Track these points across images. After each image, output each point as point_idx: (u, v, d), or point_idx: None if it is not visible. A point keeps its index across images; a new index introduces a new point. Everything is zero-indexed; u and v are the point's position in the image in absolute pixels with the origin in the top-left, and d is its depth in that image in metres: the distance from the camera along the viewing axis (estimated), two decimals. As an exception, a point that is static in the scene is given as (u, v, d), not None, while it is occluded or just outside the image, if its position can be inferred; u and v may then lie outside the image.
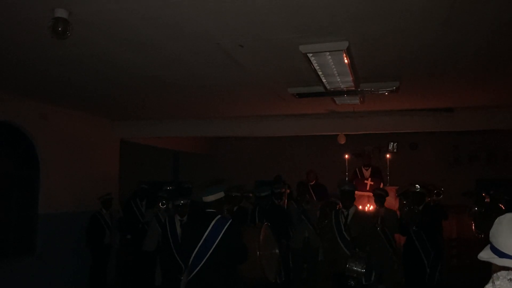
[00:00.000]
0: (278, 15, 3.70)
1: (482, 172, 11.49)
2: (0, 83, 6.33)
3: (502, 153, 11.60)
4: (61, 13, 3.59)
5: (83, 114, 8.58)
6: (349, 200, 6.41)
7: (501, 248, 1.85)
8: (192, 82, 6.14)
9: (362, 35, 4.19)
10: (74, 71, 5.57)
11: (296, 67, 5.27)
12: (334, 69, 5.00)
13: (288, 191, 8.64)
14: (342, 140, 8.83)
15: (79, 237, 8.10)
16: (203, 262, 4.24)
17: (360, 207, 7.95)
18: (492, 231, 1.92)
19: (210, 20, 3.84)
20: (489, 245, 1.93)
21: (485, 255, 1.92)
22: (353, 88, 5.87)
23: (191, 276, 4.31)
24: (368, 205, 8.47)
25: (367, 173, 9.67)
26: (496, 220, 1.93)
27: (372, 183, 8.98)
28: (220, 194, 4.52)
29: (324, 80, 5.46)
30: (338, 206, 7.07)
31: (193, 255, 4.28)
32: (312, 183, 9.47)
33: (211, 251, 4.23)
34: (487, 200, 7.91)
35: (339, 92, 6.22)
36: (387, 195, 7.64)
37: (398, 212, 7.34)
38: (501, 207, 7.28)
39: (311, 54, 4.55)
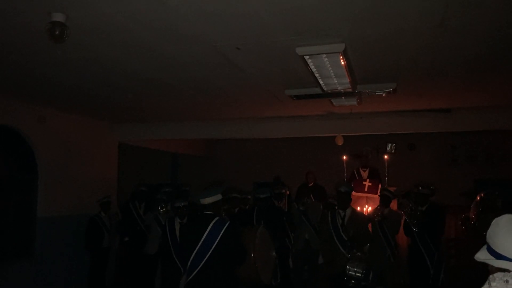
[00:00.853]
0: (275, 17, 3.71)
1: (480, 173, 11.49)
2: (-2, 87, 6.33)
3: (500, 153, 11.60)
4: (58, 17, 3.60)
5: (81, 117, 8.58)
6: (346, 201, 6.42)
7: (498, 249, 1.85)
8: (189, 85, 6.15)
9: (358, 37, 4.20)
10: (72, 74, 5.58)
11: (293, 69, 5.28)
12: (331, 71, 5.01)
13: (288, 192, 8.66)
14: (340, 142, 8.84)
15: (77, 240, 8.09)
16: (201, 264, 4.24)
17: (358, 208, 7.96)
18: (489, 232, 1.92)
19: (207, 23, 3.85)
20: (485, 246, 1.93)
21: (482, 256, 1.92)
22: (350, 90, 5.88)
23: (190, 278, 4.31)
24: (366, 206, 8.48)
25: (365, 174, 9.68)
26: (493, 221, 1.92)
27: (370, 184, 8.99)
28: (218, 197, 4.52)
29: (321, 82, 5.47)
30: (336, 208, 7.08)
31: (192, 257, 4.28)
32: (310, 185, 9.49)
33: (209, 253, 4.23)
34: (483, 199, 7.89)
35: (337, 94, 6.23)
36: (394, 197, 7.64)
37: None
38: (497, 207, 7.27)
39: (308, 56, 4.56)
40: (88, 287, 8.15)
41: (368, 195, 8.78)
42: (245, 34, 4.13)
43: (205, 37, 4.21)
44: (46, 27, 3.62)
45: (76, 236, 8.10)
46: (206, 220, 4.35)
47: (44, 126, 7.66)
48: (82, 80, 5.86)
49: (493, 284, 1.80)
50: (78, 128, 8.54)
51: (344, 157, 9.85)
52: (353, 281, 5.79)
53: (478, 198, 6.72)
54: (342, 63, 4.71)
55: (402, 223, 7.18)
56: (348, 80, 5.35)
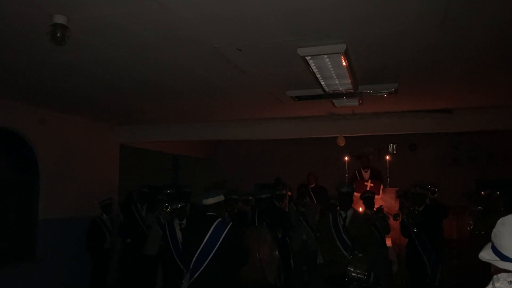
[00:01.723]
0: (276, 18, 3.71)
1: (482, 173, 11.48)
2: (-1, 89, 6.34)
3: (502, 153, 11.59)
4: (59, 19, 3.60)
5: (82, 119, 8.58)
6: (347, 202, 6.40)
7: (503, 250, 1.81)
8: (190, 86, 6.14)
9: (360, 37, 4.20)
10: (73, 76, 5.58)
11: (294, 70, 5.28)
12: (333, 71, 5.00)
13: (289, 193, 8.66)
14: (341, 142, 8.83)
15: (79, 242, 8.08)
16: (204, 265, 4.24)
17: (360, 209, 7.95)
18: (495, 232, 1.86)
19: (208, 24, 3.85)
20: (490, 244, 1.90)
21: (487, 255, 1.88)
22: (352, 90, 5.87)
23: (193, 279, 4.31)
24: (361, 207, 8.48)
25: (366, 175, 9.69)
26: (499, 221, 1.86)
27: (372, 184, 8.99)
28: (220, 198, 4.52)
29: (322, 83, 5.47)
30: (338, 208, 7.08)
31: (194, 258, 4.29)
32: (312, 186, 9.49)
33: (212, 254, 4.23)
34: (486, 199, 7.90)
35: (338, 95, 6.22)
36: (374, 194, 7.75)
37: (400, 213, 7.36)
38: (499, 207, 7.28)
39: (309, 57, 4.56)
40: (89, 289, 8.15)
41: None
42: (246, 36, 4.13)
43: (206, 39, 4.21)
44: (48, 29, 3.63)
45: (78, 238, 8.10)
46: (208, 221, 4.35)
47: (45, 128, 7.67)
48: (83, 82, 5.86)
49: (497, 284, 1.78)
50: (80, 130, 8.55)
51: (346, 158, 9.85)
52: (355, 283, 5.78)
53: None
54: (344, 63, 4.71)
55: (395, 223, 7.24)
56: (350, 80, 5.35)
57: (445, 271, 6.88)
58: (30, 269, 7.35)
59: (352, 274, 5.76)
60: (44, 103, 7.29)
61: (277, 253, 5.75)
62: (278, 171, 11.79)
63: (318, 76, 5.17)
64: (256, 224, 6.96)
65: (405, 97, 6.87)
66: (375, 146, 11.83)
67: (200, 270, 4.25)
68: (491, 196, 7.76)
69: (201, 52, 4.60)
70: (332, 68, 4.89)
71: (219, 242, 4.23)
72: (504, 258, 1.80)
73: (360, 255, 5.92)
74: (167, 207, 7.57)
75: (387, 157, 9.93)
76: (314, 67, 4.86)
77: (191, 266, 4.34)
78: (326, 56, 4.51)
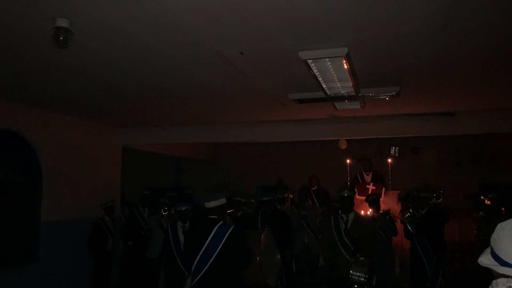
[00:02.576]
0: (278, 22, 3.72)
1: (484, 176, 11.44)
2: (2, 91, 6.36)
3: (504, 156, 11.55)
4: (62, 22, 3.63)
5: (85, 122, 8.60)
6: (349, 205, 6.41)
7: (502, 256, 1.80)
8: (192, 89, 6.16)
9: (361, 41, 4.21)
10: (76, 79, 5.60)
11: (296, 73, 5.29)
12: (334, 75, 5.01)
13: (291, 196, 8.65)
14: (343, 145, 8.83)
15: (81, 244, 8.10)
16: (205, 268, 4.25)
17: (362, 212, 7.95)
18: (494, 237, 1.86)
19: (210, 28, 3.86)
20: (489, 249, 1.89)
21: (486, 260, 1.87)
22: (354, 94, 5.88)
23: (194, 282, 4.32)
24: (370, 210, 8.46)
25: (368, 177, 9.68)
26: (498, 226, 1.86)
27: (374, 187, 8.98)
28: (222, 200, 4.53)
29: (324, 86, 5.48)
30: (340, 211, 7.08)
31: (196, 261, 4.29)
32: (314, 188, 9.49)
33: (213, 257, 4.23)
34: (487, 202, 7.88)
35: (340, 98, 6.23)
36: (379, 197, 7.73)
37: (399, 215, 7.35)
38: (502, 210, 7.26)
39: (311, 61, 4.57)
40: (91, 291, 8.17)
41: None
42: (248, 39, 4.14)
43: (209, 42, 4.23)
44: (51, 33, 3.65)
45: (80, 240, 8.11)
46: (210, 224, 4.36)
47: (48, 130, 7.69)
48: (86, 84, 5.88)
49: (496, 289, 1.78)
50: (82, 132, 8.57)
51: (348, 161, 9.84)
52: (356, 286, 5.78)
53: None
54: (345, 67, 4.72)
55: (402, 226, 7.20)
56: (351, 84, 5.35)
57: (447, 274, 6.86)
58: (32, 270, 7.36)
59: (354, 277, 5.76)
60: (47, 106, 7.32)
61: (278, 256, 5.74)
62: (280, 173, 11.79)
63: (320, 79, 5.19)
64: (259, 226, 6.95)
65: (407, 100, 6.87)
66: (377, 149, 11.81)
67: (202, 273, 4.25)
68: (493, 200, 7.74)
69: (203, 55, 4.62)
70: (333, 72, 4.90)
71: (221, 245, 4.24)
72: (503, 263, 1.80)
73: (362, 258, 5.92)
74: (165, 211, 7.57)
75: (389, 160, 9.91)
76: (316, 71, 4.87)
77: (192, 269, 4.34)
78: (327, 59, 4.53)
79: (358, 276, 5.61)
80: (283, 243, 6.78)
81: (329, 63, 4.62)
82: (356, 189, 8.81)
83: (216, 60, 4.78)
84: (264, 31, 3.94)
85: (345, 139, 8.76)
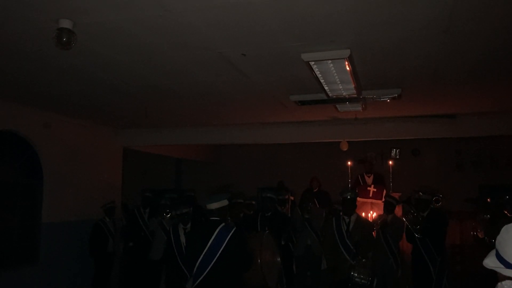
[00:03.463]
0: (280, 23, 3.73)
1: (485, 178, 11.44)
2: (4, 92, 6.37)
3: (505, 158, 11.56)
4: (65, 23, 3.63)
5: (86, 123, 8.60)
6: (351, 207, 6.41)
7: (507, 258, 1.80)
8: (194, 91, 6.16)
9: (364, 43, 4.21)
10: (78, 80, 5.61)
11: (298, 75, 5.29)
12: (336, 76, 5.01)
13: (292, 198, 8.63)
14: (344, 147, 8.82)
15: (82, 246, 8.10)
16: (207, 270, 4.24)
17: (363, 214, 7.94)
18: (499, 240, 1.86)
19: (212, 29, 3.87)
20: (494, 251, 1.89)
21: (492, 263, 1.87)
22: (355, 95, 5.88)
23: (196, 284, 4.31)
24: (371, 212, 8.46)
25: (369, 179, 9.67)
26: (503, 229, 1.86)
27: (374, 189, 8.97)
28: (224, 202, 4.51)
29: (326, 88, 5.48)
30: (341, 213, 7.07)
31: (198, 263, 4.28)
32: (315, 190, 9.47)
33: (215, 259, 4.22)
34: (491, 206, 7.87)
35: (341, 100, 6.23)
36: (398, 203, 7.50)
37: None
38: (506, 213, 7.24)
39: (313, 62, 4.57)
40: (92, 293, 8.16)
41: (373, 200, 8.75)
42: (250, 41, 4.15)
43: (211, 44, 4.23)
44: (54, 34, 3.65)
45: (81, 242, 8.11)
46: (212, 226, 4.35)
47: (49, 132, 7.69)
48: (87, 86, 5.89)
49: (501, 292, 1.78)
50: (83, 134, 8.57)
51: (349, 163, 9.83)
52: (358, 287, 5.78)
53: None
54: (347, 69, 4.72)
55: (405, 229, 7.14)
56: (353, 85, 5.36)
57: (450, 276, 6.84)
58: (33, 272, 7.36)
59: (356, 279, 5.76)
60: (49, 107, 7.33)
61: (278, 259, 5.74)
62: (281, 175, 11.79)
63: (322, 81, 5.19)
64: (259, 229, 6.94)
65: (408, 102, 6.87)
66: (378, 151, 11.82)
67: (203, 275, 4.24)
68: (498, 203, 7.72)
69: (205, 57, 4.62)
70: (335, 73, 4.90)
71: (222, 247, 4.23)
72: (508, 265, 1.79)
73: (363, 260, 5.92)
74: (168, 213, 7.56)
75: (390, 162, 9.90)
76: (318, 72, 4.87)
77: (194, 271, 4.33)
78: (330, 61, 4.53)
79: (361, 278, 5.62)
80: (284, 245, 6.77)
81: (331, 65, 4.63)
82: (357, 191, 8.80)
83: (218, 62, 4.79)
84: (266, 33, 3.94)
85: (346, 141, 8.75)
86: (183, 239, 6.17)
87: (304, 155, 12.60)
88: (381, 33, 3.95)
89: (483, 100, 6.86)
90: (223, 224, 4.39)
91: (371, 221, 7.74)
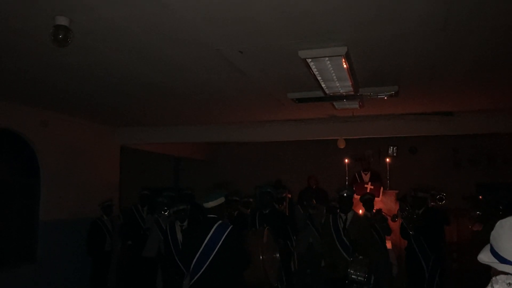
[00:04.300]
0: (277, 21, 3.73)
1: (483, 176, 11.46)
2: (1, 91, 6.35)
3: (502, 156, 11.58)
4: (62, 21, 3.62)
5: (84, 121, 8.60)
6: (348, 205, 6.43)
7: (501, 253, 1.81)
8: (192, 88, 6.16)
9: (361, 40, 4.21)
10: (75, 78, 5.60)
11: (295, 72, 5.29)
12: (333, 74, 5.02)
13: (289, 195, 8.65)
14: (341, 145, 8.84)
15: (80, 244, 8.10)
16: (204, 267, 4.25)
17: (360, 211, 7.96)
18: (493, 234, 1.87)
19: (209, 27, 3.86)
20: (488, 246, 1.90)
21: (486, 257, 1.88)
22: (352, 93, 5.89)
23: (193, 281, 4.32)
24: (361, 209, 8.48)
25: (366, 177, 9.70)
26: (498, 223, 1.87)
27: (372, 187, 9.00)
28: (221, 200, 4.52)
29: (323, 85, 5.48)
30: (338, 211, 7.09)
31: (194, 260, 4.29)
32: (314, 188, 9.50)
33: (212, 256, 4.24)
34: (484, 203, 7.91)
35: (338, 97, 6.24)
36: (374, 197, 7.74)
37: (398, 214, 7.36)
38: (500, 210, 7.27)
39: (310, 60, 4.57)
40: (90, 291, 8.15)
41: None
42: (247, 38, 4.14)
43: (208, 41, 4.23)
44: (50, 31, 3.64)
45: (79, 240, 8.11)
46: (208, 224, 4.36)
47: (47, 130, 7.68)
48: (85, 84, 5.88)
49: (495, 286, 1.78)
50: (81, 132, 8.56)
51: (346, 160, 9.86)
52: (355, 285, 5.80)
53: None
54: (345, 66, 4.72)
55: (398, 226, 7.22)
56: (350, 83, 5.36)
57: (443, 274, 6.86)
58: (31, 270, 7.36)
59: (353, 276, 5.78)
60: (46, 105, 7.31)
61: (278, 255, 5.76)
62: (279, 173, 11.80)
63: (319, 78, 5.19)
64: (257, 226, 6.96)
65: (406, 100, 6.88)
66: (376, 148, 11.81)
67: (200, 273, 4.25)
68: (490, 200, 7.76)
69: (203, 54, 4.62)
70: (333, 71, 4.90)
71: (219, 244, 4.24)
72: (503, 260, 1.80)
73: (360, 257, 5.94)
74: (165, 211, 7.57)
75: (387, 160, 9.93)
76: (315, 70, 4.88)
77: (191, 269, 4.34)
78: (327, 58, 4.53)
79: (358, 275, 5.63)
80: (282, 242, 6.79)
81: (329, 62, 4.63)
82: (354, 189, 8.83)
83: (215, 59, 4.78)
84: (263, 30, 3.94)
85: (344, 139, 8.76)
86: (180, 236, 6.19)
87: (301, 153, 12.60)
88: (378, 31, 3.95)
89: (480, 98, 6.88)
90: (220, 222, 4.40)
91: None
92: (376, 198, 8.61)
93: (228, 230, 4.34)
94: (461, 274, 8.40)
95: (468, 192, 10.12)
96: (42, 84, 5.92)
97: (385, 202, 8.98)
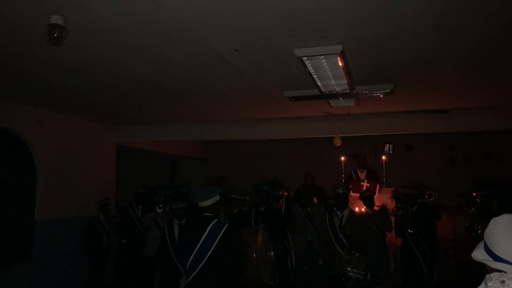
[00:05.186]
0: (273, 19, 3.73)
1: (478, 173, 11.51)
2: (-4, 89, 6.33)
3: (498, 154, 11.64)
4: (57, 19, 3.61)
5: (80, 120, 8.57)
6: (344, 202, 6.45)
7: (495, 251, 1.82)
8: (187, 87, 6.15)
9: (356, 39, 4.22)
10: (70, 77, 5.58)
11: (291, 71, 5.30)
12: (329, 72, 5.03)
13: (286, 193, 8.65)
14: (338, 143, 8.85)
15: (76, 243, 8.08)
16: (200, 265, 4.24)
17: (357, 209, 7.98)
18: (487, 232, 1.88)
19: (205, 25, 3.86)
20: (482, 244, 1.91)
21: (480, 255, 1.89)
22: (348, 91, 5.90)
23: (189, 280, 4.32)
24: (363, 207, 8.49)
25: (362, 175, 9.71)
26: (492, 221, 1.88)
27: (368, 185, 9.01)
28: (216, 198, 4.50)
29: (319, 83, 5.49)
30: (335, 208, 7.10)
31: (191, 259, 4.29)
32: (310, 184, 9.50)
33: (208, 254, 4.23)
34: (478, 200, 7.94)
35: (334, 95, 6.25)
36: (374, 193, 7.75)
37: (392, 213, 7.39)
38: (494, 207, 7.31)
39: (305, 58, 4.58)
40: (87, 289, 8.14)
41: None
42: (243, 36, 4.14)
43: (203, 39, 4.22)
44: (45, 30, 3.63)
45: (75, 239, 8.09)
46: (204, 222, 4.36)
47: (43, 129, 7.65)
48: (80, 82, 5.86)
49: (489, 284, 1.79)
50: (77, 130, 8.54)
51: (342, 158, 9.86)
52: (352, 282, 5.81)
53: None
54: (340, 64, 4.73)
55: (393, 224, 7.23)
56: (346, 81, 5.37)
57: (441, 270, 6.90)
58: (27, 269, 7.33)
59: (349, 273, 5.79)
60: (42, 104, 7.29)
61: (272, 253, 5.76)
62: (275, 171, 11.79)
63: (315, 76, 5.20)
64: (253, 224, 6.95)
65: (401, 98, 6.90)
66: (372, 146, 11.86)
67: (196, 271, 4.25)
68: (484, 197, 7.79)
69: (198, 52, 4.62)
70: (328, 69, 4.91)
71: (215, 243, 4.23)
72: (496, 258, 1.81)
73: (357, 254, 5.95)
74: (160, 208, 7.56)
75: (383, 157, 9.95)
76: (311, 68, 4.88)
77: (187, 267, 4.34)
78: (322, 56, 4.54)
79: (355, 272, 5.64)
80: (277, 240, 6.79)
81: (324, 60, 4.63)
82: (350, 186, 8.84)
83: (211, 58, 4.78)
84: (259, 28, 3.94)
85: (340, 137, 8.77)
86: (177, 234, 6.19)
87: (298, 151, 12.62)
88: (374, 29, 3.96)
89: (476, 96, 6.90)
90: (216, 220, 4.39)
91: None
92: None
93: (224, 229, 4.33)
94: (457, 271, 8.42)
95: (463, 189, 10.16)
96: (38, 82, 5.90)
97: (381, 200, 8.98)
